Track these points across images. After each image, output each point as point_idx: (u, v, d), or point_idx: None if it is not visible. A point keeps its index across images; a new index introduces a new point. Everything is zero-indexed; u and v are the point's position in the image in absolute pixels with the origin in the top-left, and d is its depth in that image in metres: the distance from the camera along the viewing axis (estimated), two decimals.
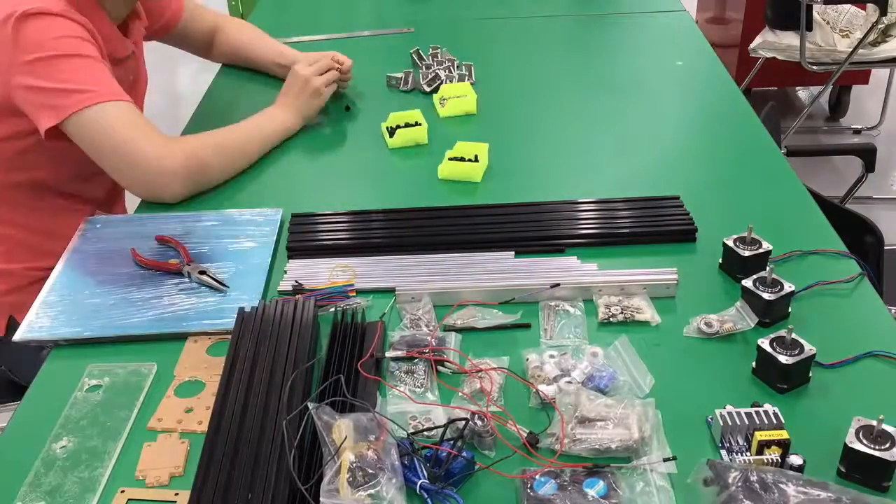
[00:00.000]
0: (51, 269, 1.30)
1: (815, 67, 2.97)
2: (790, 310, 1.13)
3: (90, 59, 1.37)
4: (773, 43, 3.05)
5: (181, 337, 1.14)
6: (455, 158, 1.49)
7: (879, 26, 2.97)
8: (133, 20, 1.58)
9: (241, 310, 1.11)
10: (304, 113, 1.63)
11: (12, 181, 1.51)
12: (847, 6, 3.05)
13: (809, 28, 2.98)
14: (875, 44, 2.99)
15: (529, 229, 1.32)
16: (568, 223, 1.32)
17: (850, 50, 2.88)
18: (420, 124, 1.61)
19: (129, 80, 1.55)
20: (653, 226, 1.31)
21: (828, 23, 3.06)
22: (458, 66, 1.85)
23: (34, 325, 1.17)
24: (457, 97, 1.69)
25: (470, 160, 1.48)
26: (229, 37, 1.89)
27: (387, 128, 1.62)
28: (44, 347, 1.16)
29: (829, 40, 3.01)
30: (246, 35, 1.90)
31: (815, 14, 3.01)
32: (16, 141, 1.44)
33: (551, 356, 1.06)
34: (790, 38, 3.01)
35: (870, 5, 2.92)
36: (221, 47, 1.90)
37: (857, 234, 1.57)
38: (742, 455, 0.92)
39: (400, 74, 1.81)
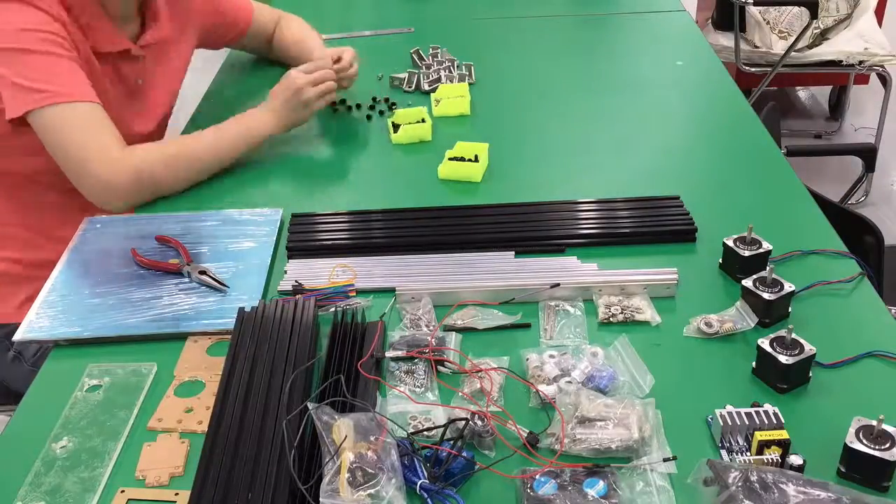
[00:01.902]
0: (39, 265, 1.29)
1: (748, 69, 2.98)
2: (790, 310, 1.13)
3: (56, 56, 1.35)
4: (712, 45, 3.06)
5: (181, 337, 1.14)
6: (455, 158, 1.49)
7: (815, 31, 2.97)
8: (149, 24, 1.55)
9: (241, 310, 1.11)
10: (289, 122, 1.55)
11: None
12: (790, 7, 3.04)
13: (744, 29, 2.97)
14: (811, 47, 2.99)
15: (529, 229, 1.32)
16: (568, 223, 1.32)
17: (784, 52, 2.88)
18: (425, 121, 1.61)
19: (130, 83, 1.53)
20: (653, 226, 1.31)
21: (768, 23, 3.05)
22: (458, 66, 1.85)
23: (34, 325, 1.16)
24: (453, 98, 1.69)
25: (470, 160, 1.48)
26: (282, 34, 1.87)
27: (392, 123, 1.62)
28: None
29: (767, 41, 3.01)
30: (295, 33, 1.86)
31: (756, 14, 3.01)
32: None
33: (551, 356, 1.06)
34: (728, 40, 3.01)
35: (802, 8, 2.92)
36: (277, 44, 1.88)
37: (857, 234, 1.57)
38: (742, 455, 0.92)
39: (403, 74, 1.81)
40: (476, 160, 1.48)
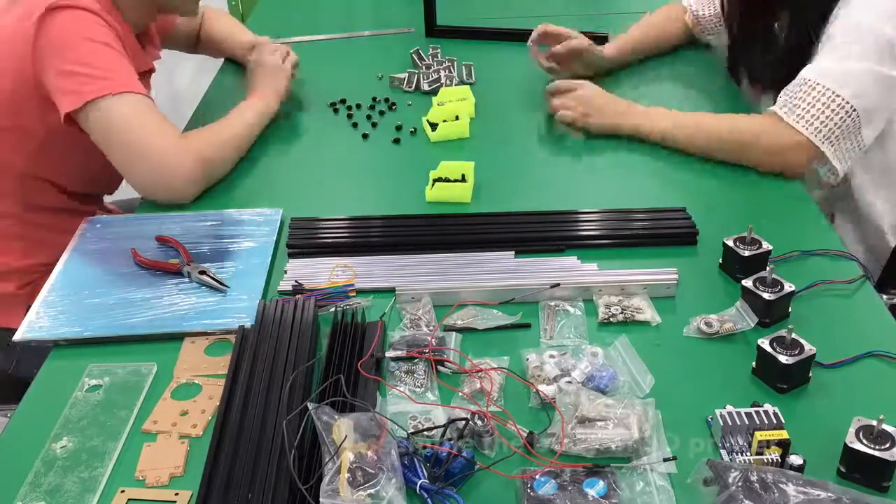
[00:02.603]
0: (42, 266, 1.28)
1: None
2: (790, 310, 1.13)
3: (118, 52, 1.38)
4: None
5: (181, 337, 1.14)
6: (440, 179, 1.42)
7: None
8: (148, 41, 1.60)
9: (242, 328, 1.10)
10: (277, 93, 1.65)
11: (20, 174, 1.49)
12: None
13: None
14: None
15: (530, 230, 1.31)
16: (569, 228, 1.31)
17: None
18: (459, 118, 1.60)
19: None
20: (655, 229, 1.30)
21: None
22: (457, 67, 1.85)
23: (34, 325, 1.16)
24: (454, 101, 1.67)
25: (457, 180, 1.41)
26: (207, 26, 1.91)
27: (428, 122, 1.61)
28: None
29: None
30: (223, 25, 1.91)
31: None
32: (24, 135, 1.44)
33: (551, 356, 1.06)
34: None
35: None
36: (203, 39, 1.91)
37: None
38: (742, 455, 0.92)
39: (403, 75, 1.81)
40: (463, 180, 1.42)
